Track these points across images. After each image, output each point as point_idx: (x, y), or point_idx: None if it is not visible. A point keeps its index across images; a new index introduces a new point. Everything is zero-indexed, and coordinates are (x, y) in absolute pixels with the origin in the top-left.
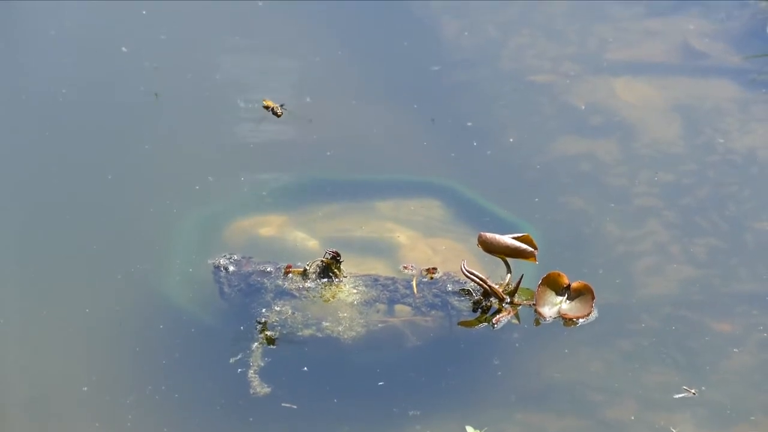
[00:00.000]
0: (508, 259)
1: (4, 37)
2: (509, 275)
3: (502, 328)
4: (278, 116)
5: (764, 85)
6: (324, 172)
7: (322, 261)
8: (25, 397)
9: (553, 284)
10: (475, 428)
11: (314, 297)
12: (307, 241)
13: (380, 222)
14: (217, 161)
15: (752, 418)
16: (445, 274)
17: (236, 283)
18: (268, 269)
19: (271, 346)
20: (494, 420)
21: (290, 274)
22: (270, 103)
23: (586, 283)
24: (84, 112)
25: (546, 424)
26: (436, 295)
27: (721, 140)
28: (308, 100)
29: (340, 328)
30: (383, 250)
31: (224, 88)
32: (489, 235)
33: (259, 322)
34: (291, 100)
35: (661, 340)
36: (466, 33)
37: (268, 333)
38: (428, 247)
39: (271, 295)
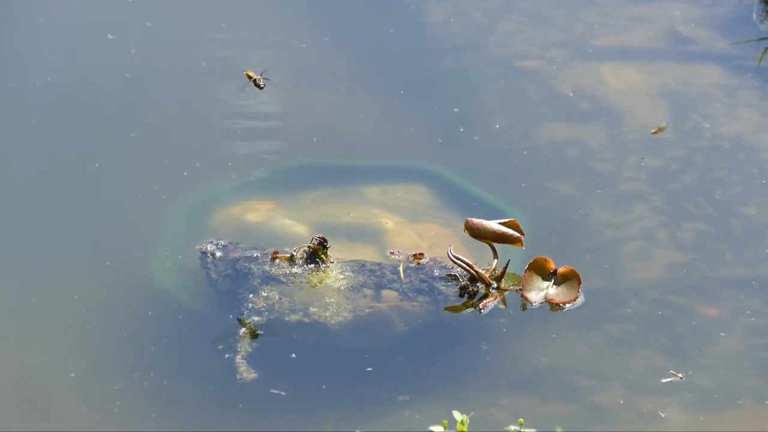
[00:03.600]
0: (495, 245)
1: None
2: (496, 260)
3: (489, 313)
4: (261, 88)
5: (750, 71)
6: (311, 158)
7: (309, 247)
8: (13, 382)
9: (540, 269)
10: (462, 413)
11: (301, 282)
12: (294, 227)
13: (367, 208)
14: (205, 147)
15: (739, 402)
16: (431, 260)
17: (223, 269)
18: (256, 255)
19: (259, 332)
20: (482, 405)
21: (277, 260)
22: (252, 74)
23: (572, 268)
24: (70, 98)
25: (533, 409)
26: (422, 281)
27: (708, 125)
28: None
29: (327, 314)
30: (370, 235)
31: (210, 75)
32: (476, 220)
33: (247, 308)
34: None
35: (648, 324)
36: (452, 19)
37: (256, 318)
38: (415, 232)
39: (258, 280)
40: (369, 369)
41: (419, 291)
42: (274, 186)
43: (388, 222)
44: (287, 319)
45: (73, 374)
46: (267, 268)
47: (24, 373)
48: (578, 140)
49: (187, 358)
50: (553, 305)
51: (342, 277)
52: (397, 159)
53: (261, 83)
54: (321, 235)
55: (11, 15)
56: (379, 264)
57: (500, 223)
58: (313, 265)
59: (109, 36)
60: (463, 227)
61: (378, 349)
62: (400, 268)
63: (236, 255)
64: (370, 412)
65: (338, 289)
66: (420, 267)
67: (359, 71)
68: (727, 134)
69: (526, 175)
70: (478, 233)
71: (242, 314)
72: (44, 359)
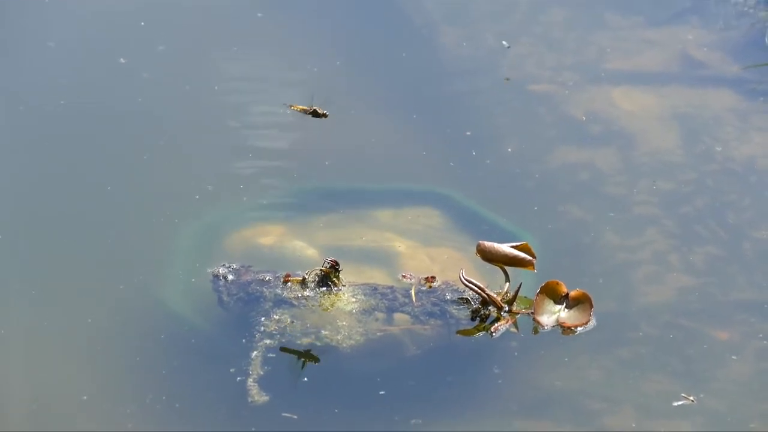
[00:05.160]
0: (507, 268)
1: (3, 49)
2: (508, 284)
3: (501, 336)
4: (325, 116)
5: (763, 95)
6: (323, 181)
7: (320, 270)
8: (26, 405)
9: (552, 293)
10: None
11: (313, 306)
12: (306, 250)
13: (379, 231)
14: (217, 170)
15: (751, 425)
16: (443, 283)
17: (235, 292)
18: (267, 278)
19: (270, 355)
20: (494, 428)
21: (289, 283)
22: (304, 107)
23: (584, 291)
24: (82, 122)
25: None
26: (434, 304)
27: (720, 149)
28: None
29: (338, 337)
30: (382, 259)
31: (223, 99)
32: (488, 243)
33: (258, 331)
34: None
35: (660, 348)
36: (464, 43)
37: (267, 341)
38: (427, 256)
39: (270, 303)
40: (381, 392)
41: (431, 314)
42: (286, 209)
43: (401, 245)
44: (299, 341)
45: (85, 397)
46: (279, 291)
47: (36, 395)
48: (590, 163)
49: (199, 381)
50: (564, 328)
51: (354, 300)
52: (410, 182)
53: (322, 111)
54: (333, 258)
55: (23, 39)
56: (391, 287)
57: (512, 247)
58: (324, 288)
59: (121, 60)
60: (475, 250)
61: (390, 372)
62: (412, 292)
63: (248, 278)
64: None
65: (350, 312)
66: (432, 290)
67: (371, 95)
68: (739, 158)
69: (538, 199)
70: (490, 256)
71: (254, 337)
72: (56, 382)
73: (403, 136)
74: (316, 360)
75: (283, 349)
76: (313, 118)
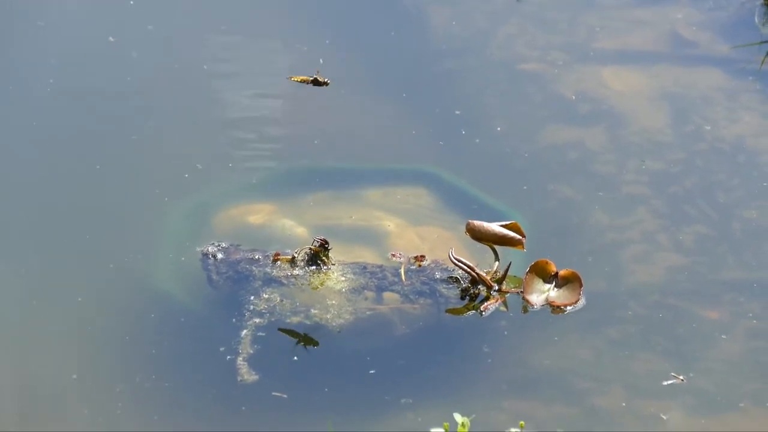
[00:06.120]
0: (496, 247)
1: None
2: (497, 263)
3: (490, 315)
4: (327, 84)
5: (752, 74)
6: (312, 160)
7: (310, 248)
8: (14, 384)
9: (541, 272)
10: (463, 415)
11: (302, 284)
12: (296, 229)
13: (369, 210)
14: (206, 149)
15: (741, 405)
16: (433, 262)
17: (225, 271)
18: (257, 257)
19: (260, 334)
20: (483, 407)
21: (278, 262)
22: (305, 78)
23: (573, 270)
24: (71, 102)
25: (534, 412)
26: (424, 283)
27: (709, 128)
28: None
29: (328, 316)
30: (371, 238)
31: (212, 78)
32: (477, 222)
33: (248, 310)
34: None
35: (649, 327)
36: (454, 22)
37: (257, 320)
38: (416, 235)
39: (260, 282)
40: (371, 371)
41: (420, 293)
42: (275, 188)
43: (390, 224)
44: (288, 320)
45: (74, 376)
46: (268, 270)
47: (26, 374)
48: (579, 143)
49: (189, 360)
50: (554, 308)
51: (343, 279)
52: (399, 161)
53: (323, 79)
54: (322, 237)
55: (12, 18)
56: (381, 266)
57: (501, 226)
58: (314, 267)
59: (110, 39)
60: (465, 230)
61: (379, 351)
62: (402, 271)
63: (237, 257)
64: (372, 415)
65: (339, 291)
66: (421, 269)
67: (361, 74)
68: (728, 137)
69: (528, 178)
70: (479, 235)
71: (243, 316)
72: (46, 361)
73: (392, 115)
74: (306, 339)
75: (273, 328)
76: (315, 87)
